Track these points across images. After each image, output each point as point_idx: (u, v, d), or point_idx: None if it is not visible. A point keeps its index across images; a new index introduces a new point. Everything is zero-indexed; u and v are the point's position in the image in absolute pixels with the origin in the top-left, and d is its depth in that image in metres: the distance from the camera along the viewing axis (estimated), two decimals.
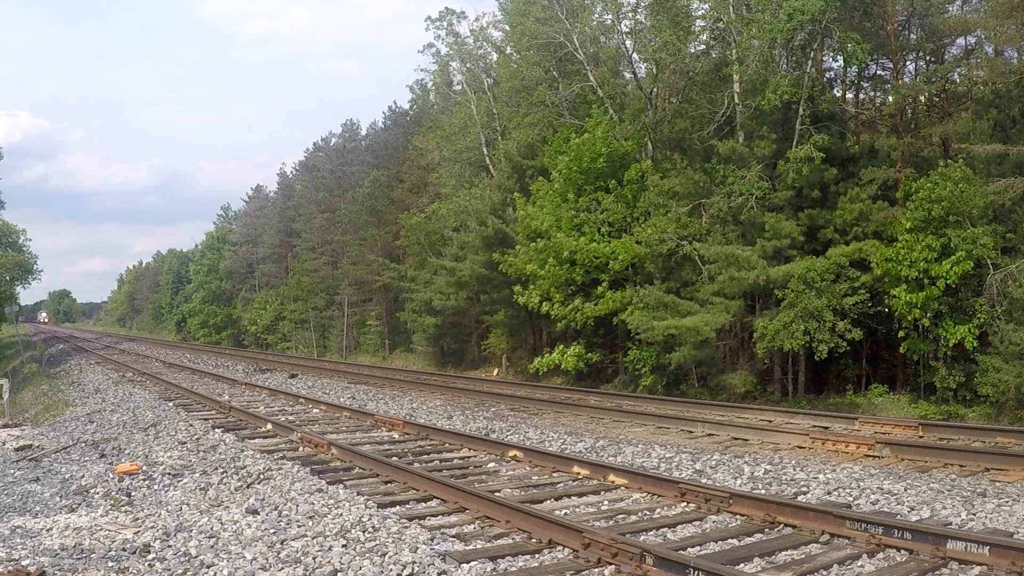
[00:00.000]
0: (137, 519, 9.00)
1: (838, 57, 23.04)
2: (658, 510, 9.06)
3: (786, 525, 8.16)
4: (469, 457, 12.44)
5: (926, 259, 18.29)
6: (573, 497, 9.71)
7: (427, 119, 41.35)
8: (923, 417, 17.35)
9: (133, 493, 10.40)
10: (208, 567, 7.05)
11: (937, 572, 6.84)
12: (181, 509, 9.27)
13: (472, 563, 7.03)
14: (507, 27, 33.54)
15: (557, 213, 24.86)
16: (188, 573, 6.98)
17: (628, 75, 28.62)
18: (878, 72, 24.61)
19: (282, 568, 6.95)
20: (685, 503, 9.18)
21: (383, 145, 48.83)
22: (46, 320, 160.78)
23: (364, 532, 7.97)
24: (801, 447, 12.86)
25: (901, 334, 19.72)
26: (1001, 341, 17.24)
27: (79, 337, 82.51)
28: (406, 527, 8.15)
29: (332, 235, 51.37)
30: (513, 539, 7.90)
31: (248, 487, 10.28)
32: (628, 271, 23.97)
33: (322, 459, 12.12)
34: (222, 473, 11.13)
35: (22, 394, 30.07)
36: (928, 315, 18.49)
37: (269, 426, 15.24)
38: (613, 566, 6.95)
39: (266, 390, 22.91)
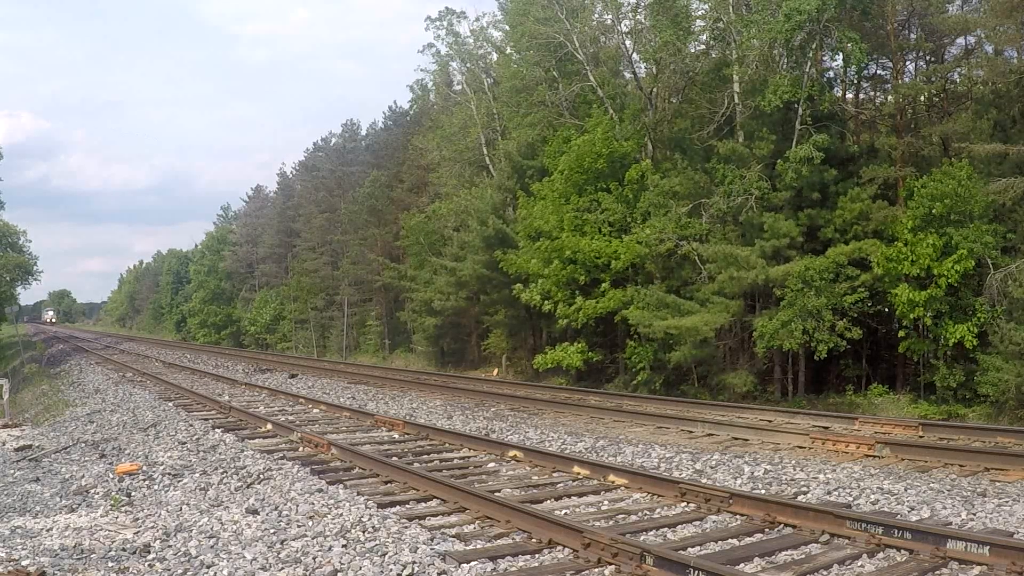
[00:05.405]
0: (137, 519, 9.00)
1: (838, 57, 23.09)
2: (658, 510, 9.05)
3: (786, 525, 8.16)
4: (469, 457, 12.44)
5: (928, 256, 18.29)
6: (573, 497, 9.71)
7: (427, 119, 41.37)
8: (923, 417, 17.35)
9: (133, 493, 10.40)
10: (208, 567, 7.05)
11: (937, 572, 6.84)
12: (181, 509, 9.27)
13: (472, 563, 7.02)
14: (507, 27, 33.56)
15: (559, 213, 24.88)
16: (188, 573, 6.98)
17: (628, 75, 28.63)
18: (878, 72, 24.64)
19: (282, 568, 6.95)
20: (685, 503, 9.18)
21: (383, 145, 48.83)
22: (53, 320, 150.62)
23: (364, 532, 7.97)
24: (801, 447, 12.86)
25: (901, 334, 19.74)
26: (1001, 340, 17.25)
27: (79, 337, 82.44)
28: (406, 527, 8.15)
29: (332, 235, 51.36)
30: (513, 539, 7.90)
31: (248, 487, 10.28)
32: (628, 271, 24.00)
33: (322, 459, 12.12)
34: (222, 473, 11.13)
35: (22, 394, 30.09)
36: (929, 314, 18.50)
37: (269, 426, 15.24)
38: (613, 566, 6.94)
39: (266, 390, 22.90)
